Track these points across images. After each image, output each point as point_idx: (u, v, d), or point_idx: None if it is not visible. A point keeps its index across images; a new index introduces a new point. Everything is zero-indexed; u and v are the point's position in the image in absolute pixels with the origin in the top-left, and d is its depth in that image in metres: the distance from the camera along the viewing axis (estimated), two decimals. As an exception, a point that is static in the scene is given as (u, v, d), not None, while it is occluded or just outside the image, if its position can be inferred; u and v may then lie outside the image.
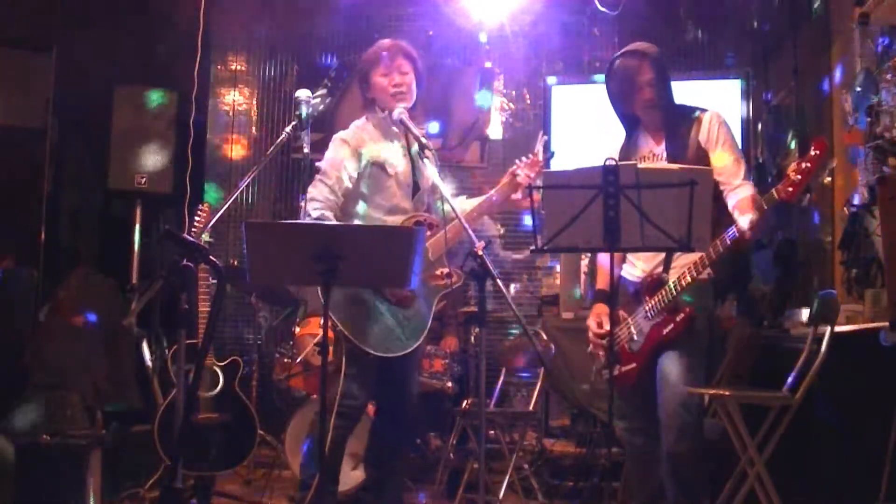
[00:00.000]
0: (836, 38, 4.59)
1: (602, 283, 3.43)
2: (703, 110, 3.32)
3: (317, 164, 3.42)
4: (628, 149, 3.40)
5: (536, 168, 3.54)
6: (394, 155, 3.49)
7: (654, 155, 3.33)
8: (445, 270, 3.47)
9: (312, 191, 3.38)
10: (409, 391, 3.55)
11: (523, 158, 3.59)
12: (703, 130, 3.25)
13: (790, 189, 2.86)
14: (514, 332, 5.82)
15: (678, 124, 3.30)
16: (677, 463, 3.11)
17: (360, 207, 3.45)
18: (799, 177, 2.85)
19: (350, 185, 3.42)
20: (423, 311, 3.44)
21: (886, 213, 3.22)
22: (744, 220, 2.95)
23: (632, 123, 3.43)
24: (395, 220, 3.44)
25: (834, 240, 4.42)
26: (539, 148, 3.58)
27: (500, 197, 3.54)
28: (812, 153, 2.86)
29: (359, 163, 3.43)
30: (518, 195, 3.55)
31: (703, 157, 3.21)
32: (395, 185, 3.47)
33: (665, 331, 3.16)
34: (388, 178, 3.46)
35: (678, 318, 3.14)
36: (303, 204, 3.40)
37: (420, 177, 3.56)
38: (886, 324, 3.11)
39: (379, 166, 3.45)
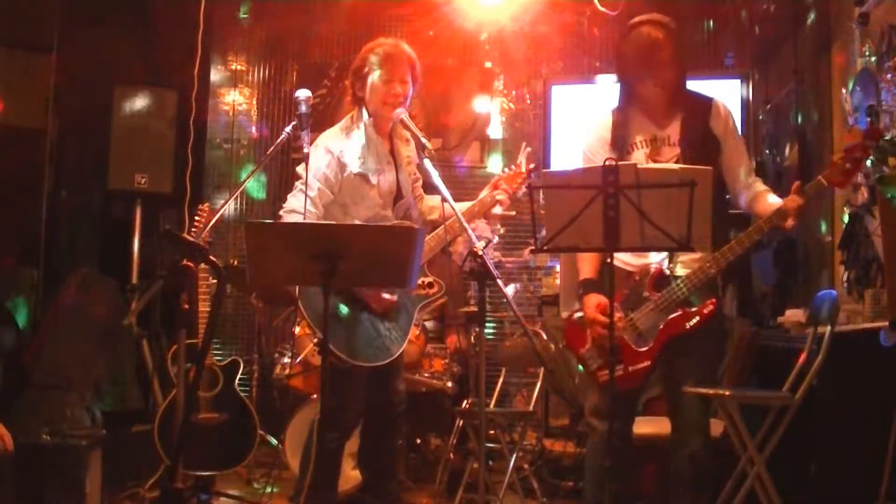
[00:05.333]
0: (836, 38, 4.59)
1: (590, 271, 3.19)
2: (712, 98, 3.23)
3: (297, 168, 3.39)
4: (626, 132, 3.18)
5: (518, 180, 3.53)
6: (377, 164, 3.45)
7: (662, 139, 3.17)
8: (428, 280, 3.47)
9: (293, 201, 3.34)
10: (394, 389, 3.56)
11: (506, 170, 3.59)
12: (718, 120, 3.17)
13: (841, 178, 2.92)
14: (514, 332, 5.81)
15: (694, 109, 3.17)
16: (700, 466, 3.05)
17: (340, 215, 3.42)
18: (849, 165, 2.91)
19: (332, 196, 3.40)
20: (405, 320, 3.44)
21: (886, 213, 3.23)
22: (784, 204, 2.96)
23: (630, 99, 3.23)
24: None
25: (834, 240, 4.42)
26: (522, 159, 3.57)
27: (482, 208, 3.52)
28: (866, 141, 2.93)
29: (341, 173, 3.39)
30: (498, 210, 3.54)
31: (714, 147, 3.13)
32: (376, 195, 3.45)
33: (689, 323, 3.04)
34: (371, 188, 3.43)
35: (705, 310, 3.04)
36: (281, 213, 3.39)
37: (405, 184, 3.55)
38: (886, 324, 3.12)
39: (362, 176, 3.41)
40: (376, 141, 3.47)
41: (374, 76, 3.41)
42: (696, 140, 3.13)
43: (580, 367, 3.28)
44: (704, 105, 3.19)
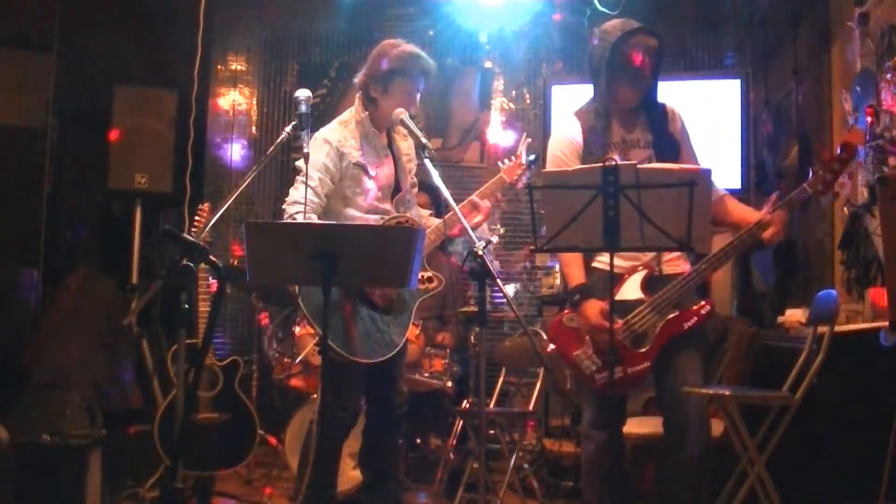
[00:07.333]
0: (836, 38, 4.59)
1: (581, 275, 3.16)
2: (664, 103, 3.26)
3: (296, 163, 3.41)
4: (603, 136, 3.20)
5: (518, 171, 3.54)
6: (376, 156, 3.47)
7: (631, 142, 3.20)
8: (427, 274, 3.47)
9: (294, 193, 3.36)
10: (396, 388, 3.56)
11: (506, 161, 3.60)
12: (675, 124, 3.24)
13: (821, 188, 2.98)
14: (514, 332, 5.81)
15: (656, 113, 3.22)
16: (705, 467, 3.05)
17: (340, 207, 3.44)
18: (829, 175, 2.98)
19: (332, 186, 3.41)
20: (405, 316, 3.44)
21: (886, 213, 3.22)
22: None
23: (608, 108, 3.22)
24: (374, 220, 3.44)
25: (834, 240, 4.42)
26: (522, 150, 3.57)
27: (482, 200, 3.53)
28: (842, 155, 2.98)
29: (340, 163, 3.41)
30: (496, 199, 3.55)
31: (676, 149, 3.20)
32: (375, 187, 3.46)
33: (687, 324, 3.06)
34: (369, 180, 3.45)
35: (702, 310, 3.07)
36: (284, 206, 3.40)
37: (403, 178, 3.55)
38: (886, 324, 3.11)
39: (360, 167, 3.43)
40: (373, 134, 3.48)
41: (397, 84, 3.41)
42: (665, 143, 3.19)
43: (571, 371, 3.27)
44: (662, 109, 3.24)
